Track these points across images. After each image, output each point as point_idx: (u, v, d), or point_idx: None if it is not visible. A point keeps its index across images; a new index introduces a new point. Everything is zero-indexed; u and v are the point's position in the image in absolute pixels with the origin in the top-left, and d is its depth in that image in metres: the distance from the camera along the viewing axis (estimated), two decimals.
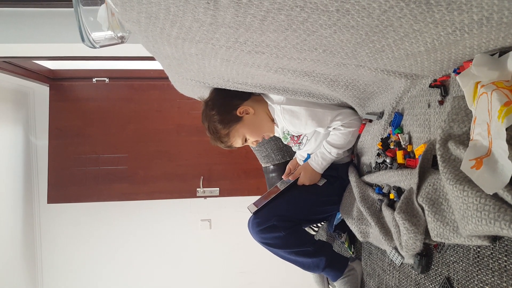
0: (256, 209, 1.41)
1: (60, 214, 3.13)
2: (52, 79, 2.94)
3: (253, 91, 1.39)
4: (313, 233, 1.83)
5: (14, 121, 2.90)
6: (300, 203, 1.45)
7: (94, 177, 2.95)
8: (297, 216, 1.43)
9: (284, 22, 0.70)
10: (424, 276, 0.98)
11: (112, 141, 2.98)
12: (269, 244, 1.37)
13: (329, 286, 1.56)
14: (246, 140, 1.51)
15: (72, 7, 0.96)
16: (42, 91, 2.98)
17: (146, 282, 3.27)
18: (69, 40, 1.95)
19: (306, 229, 1.76)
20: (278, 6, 0.63)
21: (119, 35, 1.05)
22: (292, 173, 1.56)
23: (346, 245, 1.55)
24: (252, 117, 1.46)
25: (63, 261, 3.18)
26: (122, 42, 1.07)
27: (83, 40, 0.96)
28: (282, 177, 1.60)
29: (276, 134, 1.63)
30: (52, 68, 2.90)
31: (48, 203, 2.93)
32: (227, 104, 1.44)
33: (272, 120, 1.50)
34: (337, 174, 1.50)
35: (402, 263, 1.08)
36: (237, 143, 1.50)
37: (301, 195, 1.47)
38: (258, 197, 1.51)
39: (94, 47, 1.00)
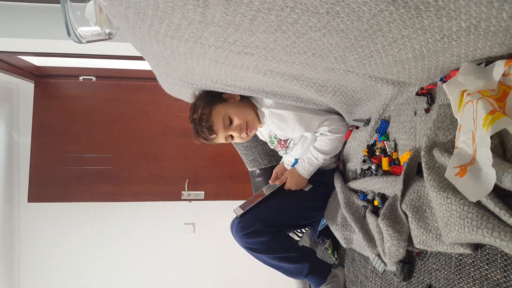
0: (242, 212, 1.40)
1: (40, 213, 3.06)
2: (38, 75, 2.88)
3: (242, 94, 1.38)
4: (297, 238, 1.83)
5: None
6: (286, 208, 1.44)
7: (77, 176, 2.90)
8: (282, 221, 1.42)
9: (274, 23, 0.69)
10: (406, 284, 0.98)
11: (96, 140, 2.93)
12: (252, 249, 1.36)
13: None
14: (230, 123, 1.41)
15: (60, 3, 0.94)
16: (27, 87, 2.92)
17: (127, 284, 3.22)
18: (57, 36, 1.92)
19: (290, 234, 1.75)
20: (268, 6, 0.63)
21: (106, 31, 1.03)
22: (278, 177, 1.56)
23: (329, 251, 1.55)
24: (237, 103, 1.45)
25: (42, 262, 3.11)
26: (109, 39, 1.05)
27: (69, 34, 0.94)
28: (269, 181, 1.59)
29: (263, 138, 1.62)
30: (38, 64, 2.85)
31: (28, 201, 2.86)
32: (214, 94, 1.42)
33: (258, 119, 1.48)
34: (323, 180, 1.50)
35: (384, 270, 1.08)
36: (219, 124, 1.39)
37: (287, 200, 1.46)
38: (244, 201, 1.50)
39: (80, 42, 0.98)
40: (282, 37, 0.75)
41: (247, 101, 1.47)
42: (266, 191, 1.51)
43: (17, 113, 3.01)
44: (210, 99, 1.41)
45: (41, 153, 2.87)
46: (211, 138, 1.43)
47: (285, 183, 1.49)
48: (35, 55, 2.53)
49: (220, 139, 1.44)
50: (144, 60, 1.19)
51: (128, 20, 0.80)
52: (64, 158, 2.89)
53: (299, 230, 1.79)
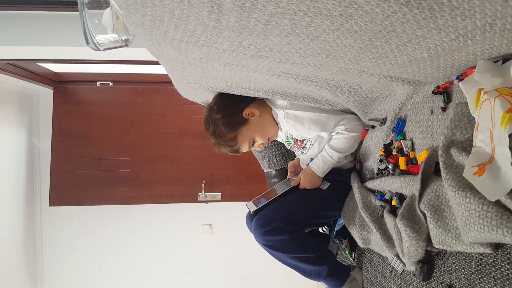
0: (255, 208, 1.41)
1: (61, 216, 3.13)
2: (57, 82, 2.95)
3: (256, 96, 1.39)
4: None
5: (18, 123, 2.91)
6: (305, 206, 1.44)
7: (96, 180, 2.96)
8: (301, 218, 1.41)
9: (288, 27, 0.70)
10: (426, 284, 0.97)
11: (114, 144, 2.99)
12: (271, 246, 1.35)
13: None
14: (253, 144, 1.49)
15: (78, 11, 0.97)
16: (46, 93, 2.99)
17: (146, 286, 3.26)
18: (74, 43, 1.96)
19: None
20: (282, 10, 0.64)
21: (123, 38, 1.05)
22: (296, 173, 1.56)
23: (346, 252, 1.54)
24: (258, 119, 1.46)
25: (64, 264, 3.18)
26: (126, 45, 1.07)
27: (87, 42, 0.96)
28: (288, 176, 1.61)
29: (279, 139, 1.63)
30: (56, 71, 2.92)
31: (49, 205, 2.93)
32: (232, 107, 1.43)
33: (276, 123, 1.50)
34: (341, 178, 1.49)
35: (403, 270, 1.07)
36: (244, 146, 1.48)
37: (306, 197, 1.45)
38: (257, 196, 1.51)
39: (99, 50, 1.00)
40: (295, 40, 0.76)
41: (264, 107, 1.48)
42: (277, 190, 1.51)
43: (37, 119, 3.09)
44: (232, 119, 1.42)
45: (61, 158, 2.94)
46: (233, 153, 1.51)
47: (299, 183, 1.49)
48: (54, 62, 2.59)
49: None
50: (160, 64, 1.21)
51: (144, 27, 0.82)
52: (83, 162, 2.95)
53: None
